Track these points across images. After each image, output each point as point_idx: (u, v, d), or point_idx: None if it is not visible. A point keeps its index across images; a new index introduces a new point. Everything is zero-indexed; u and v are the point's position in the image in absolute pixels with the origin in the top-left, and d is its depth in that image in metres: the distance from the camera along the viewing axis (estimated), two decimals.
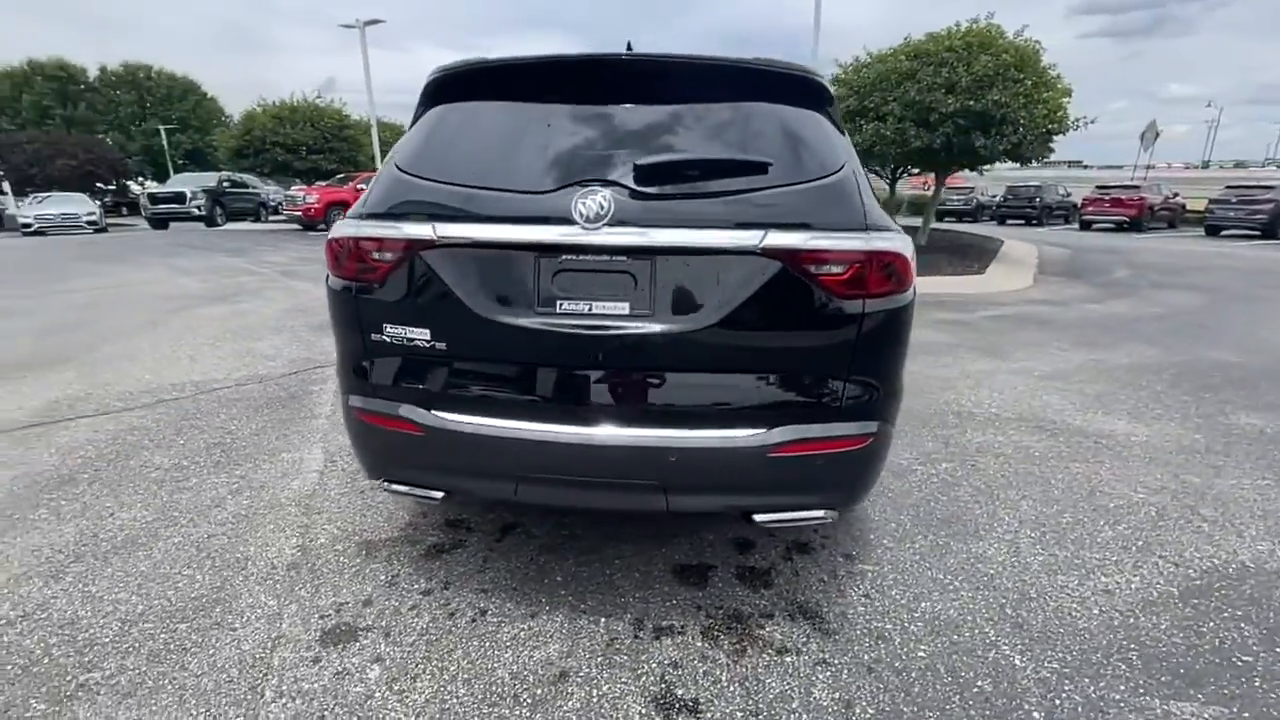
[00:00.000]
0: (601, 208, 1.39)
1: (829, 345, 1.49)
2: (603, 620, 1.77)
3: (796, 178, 1.49)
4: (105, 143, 27.59)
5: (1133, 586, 1.94)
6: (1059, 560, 2.07)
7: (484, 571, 2.00)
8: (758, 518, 1.58)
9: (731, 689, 1.53)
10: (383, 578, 1.96)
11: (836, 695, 1.51)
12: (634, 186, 1.43)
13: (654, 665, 1.60)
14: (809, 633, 1.73)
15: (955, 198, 25.16)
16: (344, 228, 1.58)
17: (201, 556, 2.06)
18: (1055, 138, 9.16)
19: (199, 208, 19.52)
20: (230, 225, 19.93)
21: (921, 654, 1.65)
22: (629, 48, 1.73)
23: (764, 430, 1.49)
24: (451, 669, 1.59)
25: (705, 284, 1.44)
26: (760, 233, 1.39)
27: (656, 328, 1.44)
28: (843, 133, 1.68)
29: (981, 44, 8.50)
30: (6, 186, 22.53)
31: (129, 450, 2.84)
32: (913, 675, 1.57)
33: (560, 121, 1.56)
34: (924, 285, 7.67)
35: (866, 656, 1.64)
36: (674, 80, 1.59)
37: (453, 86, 1.68)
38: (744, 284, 1.42)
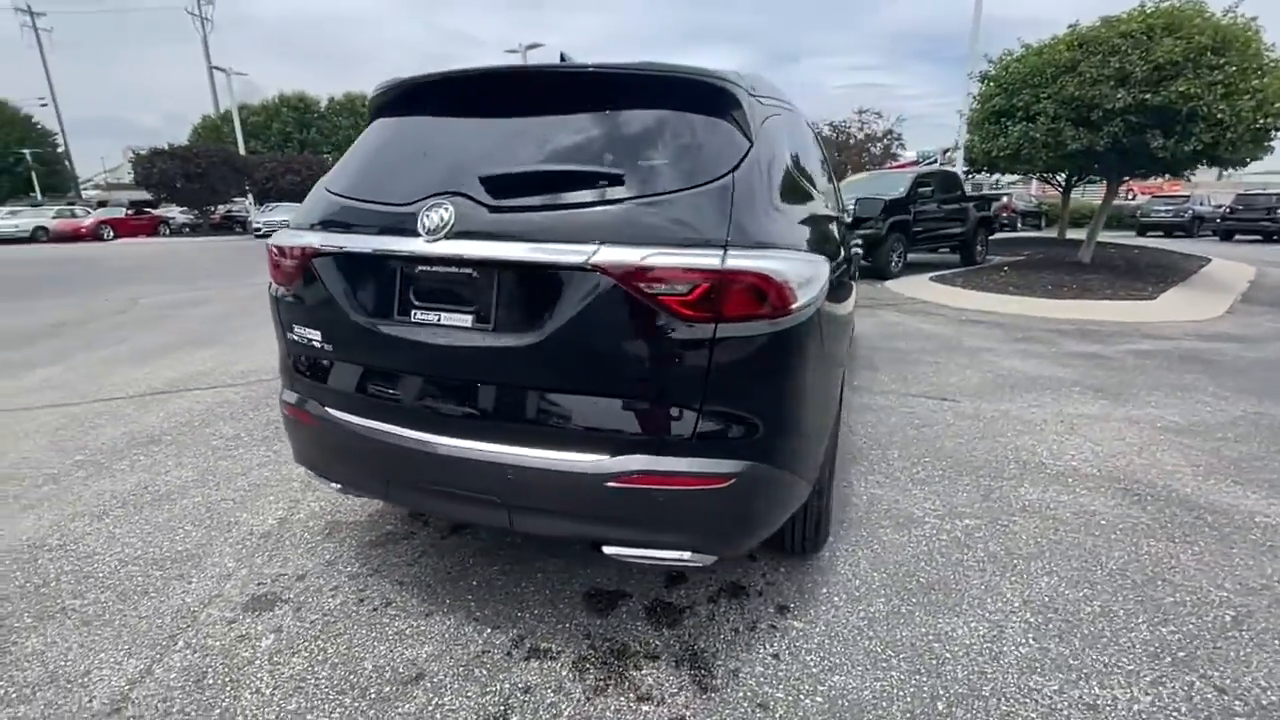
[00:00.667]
0: (442, 220, 1.40)
1: (675, 372, 1.35)
2: (486, 632, 1.76)
3: (657, 189, 1.37)
4: (325, 161, 32.91)
5: (1134, 709, 1.50)
6: (1047, 657, 1.67)
7: (414, 565, 2.09)
8: (607, 550, 1.48)
9: None
10: (327, 557, 2.13)
11: None
12: (484, 199, 1.41)
13: (506, 686, 1.57)
14: (684, 684, 1.57)
15: (1163, 209, 21.28)
16: (274, 237, 1.76)
17: (206, 516, 2.39)
18: (1277, 135, 7.39)
19: None
20: None
21: None
22: (561, 58, 1.72)
23: (605, 457, 1.39)
24: (329, 651, 1.68)
25: (543, 299, 1.38)
26: (593, 247, 1.31)
27: (496, 342, 1.41)
28: (750, 138, 1.51)
29: (1168, 26, 7.11)
30: (250, 199, 27.87)
31: (209, 420, 3.39)
32: None
33: (444, 136, 1.60)
34: (1066, 310, 6.68)
35: None
36: (561, 92, 1.55)
37: (379, 105, 1.79)
38: (578, 301, 1.34)
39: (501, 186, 1.42)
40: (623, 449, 1.39)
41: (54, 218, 22.62)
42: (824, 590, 1.96)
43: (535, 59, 24.26)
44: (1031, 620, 1.82)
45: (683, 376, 1.35)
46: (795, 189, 1.68)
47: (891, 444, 3.12)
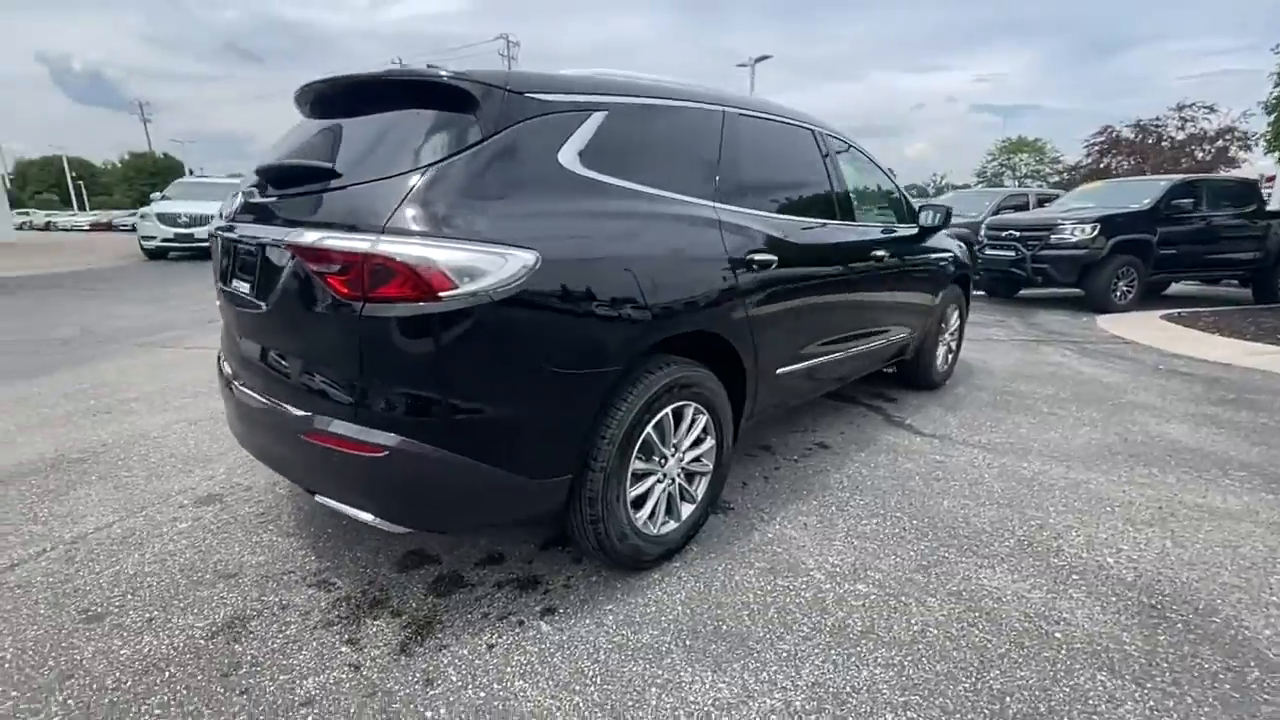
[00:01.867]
0: (234, 206, 1.73)
1: (340, 344, 1.48)
2: (310, 559, 2.07)
3: (361, 179, 1.52)
4: None
5: None
6: None
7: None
8: (316, 497, 1.67)
9: (277, 660, 1.67)
10: (261, 500, 2.66)
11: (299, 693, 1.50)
12: (258, 189, 1.71)
13: (276, 598, 1.85)
14: (391, 643, 1.68)
15: None
16: None
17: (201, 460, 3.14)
18: None
19: None
20: None
21: None
22: (398, 62, 1.96)
23: (307, 413, 1.58)
24: (208, 541, 2.16)
25: (274, 273, 1.62)
26: (293, 230, 1.51)
27: (255, 308, 1.70)
28: (485, 134, 1.55)
29: None
30: None
31: None
32: None
33: (292, 133, 1.93)
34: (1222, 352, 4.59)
35: (377, 679, 1.53)
36: (348, 96, 1.77)
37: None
38: (285, 276, 1.56)
39: (269, 179, 1.71)
40: (318, 408, 1.57)
41: None
42: (606, 606, 1.85)
43: (761, 70, 24.58)
44: (781, 703, 1.49)
45: (346, 349, 1.48)
46: (560, 184, 1.66)
47: (871, 489, 2.66)
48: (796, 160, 2.67)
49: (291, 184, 1.69)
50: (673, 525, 2.06)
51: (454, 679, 1.56)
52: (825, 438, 3.25)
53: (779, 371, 2.41)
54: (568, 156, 1.69)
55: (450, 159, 1.51)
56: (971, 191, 15.10)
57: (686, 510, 2.11)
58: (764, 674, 1.59)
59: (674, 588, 1.95)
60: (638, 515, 1.92)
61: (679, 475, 2.05)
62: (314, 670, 1.58)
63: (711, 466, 2.16)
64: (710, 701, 1.50)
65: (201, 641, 1.67)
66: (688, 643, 1.71)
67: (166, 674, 1.56)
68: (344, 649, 1.66)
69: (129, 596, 1.86)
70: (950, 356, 4.20)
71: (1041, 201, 9.99)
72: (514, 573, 2.02)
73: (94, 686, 1.51)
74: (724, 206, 2.12)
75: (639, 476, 1.91)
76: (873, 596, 1.93)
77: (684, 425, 2.02)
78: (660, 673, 1.60)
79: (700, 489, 2.16)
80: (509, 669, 1.60)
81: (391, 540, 2.17)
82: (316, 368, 1.58)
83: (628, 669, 1.61)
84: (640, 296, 1.73)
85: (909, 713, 1.48)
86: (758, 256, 2.16)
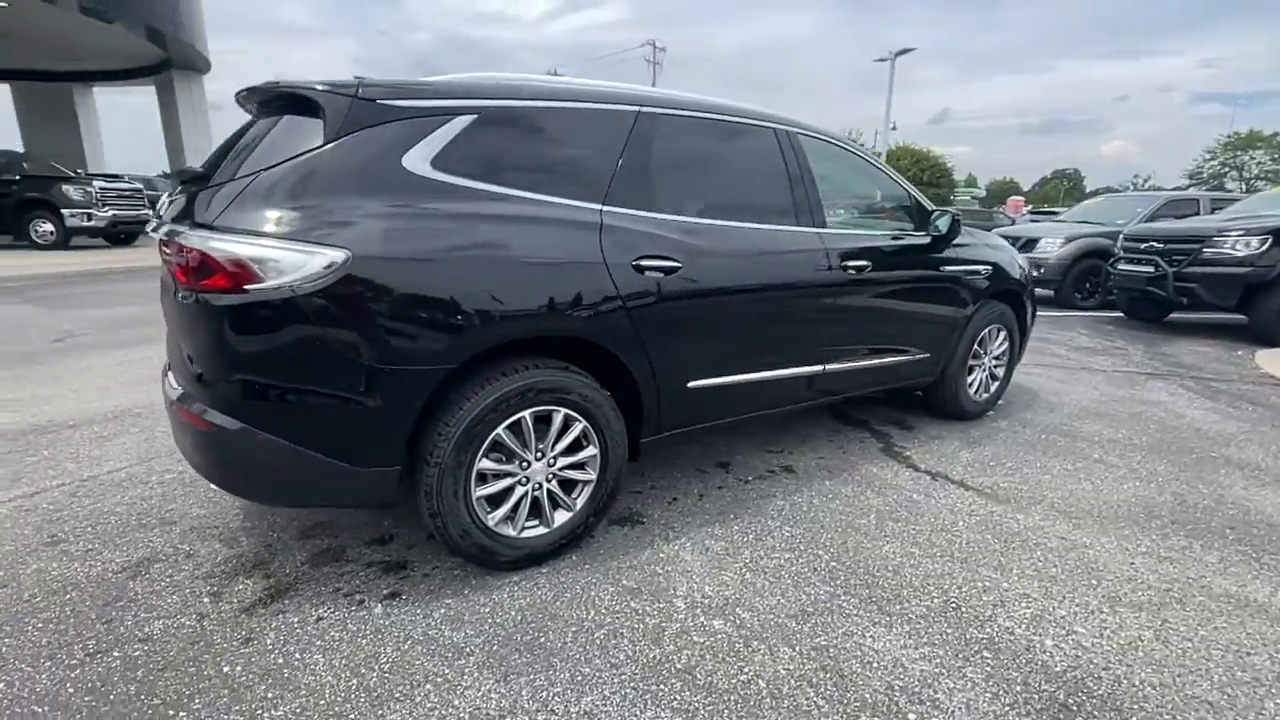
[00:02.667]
0: (162, 204, 1.99)
1: (186, 329, 1.67)
2: (239, 518, 2.34)
3: (224, 179, 1.68)
4: None
5: None
6: None
7: None
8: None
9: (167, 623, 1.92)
10: None
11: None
12: (178, 190, 1.95)
13: (187, 548, 2.11)
14: (248, 598, 1.85)
15: None
16: None
17: None
18: None
19: None
20: None
21: None
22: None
23: (178, 389, 1.80)
24: (132, 505, 2.52)
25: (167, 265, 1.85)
26: (163, 226, 1.72)
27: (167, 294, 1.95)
28: (325, 141, 1.65)
29: None
30: None
31: None
32: None
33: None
34: None
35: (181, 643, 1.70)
36: (255, 105, 1.96)
37: None
38: (167, 267, 1.78)
39: (180, 181, 1.95)
40: (183, 386, 1.78)
41: None
42: (446, 600, 1.89)
43: (902, 63, 22.63)
44: None
45: (191, 333, 1.66)
46: (400, 187, 1.71)
47: (808, 522, 2.42)
48: (743, 162, 2.49)
49: (188, 185, 1.92)
50: (540, 531, 2.04)
51: (268, 642, 1.69)
52: (797, 460, 3.00)
53: (692, 385, 2.28)
54: (415, 160, 1.75)
55: (286, 162, 1.64)
56: (1122, 195, 12.93)
57: (562, 517, 2.08)
58: (543, 693, 1.54)
59: (521, 593, 1.93)
60: (490, 515, 1.93)
61: (548, 480, 2.03)
62: (170, 614, 1.79)
63: (595, 476, 2.11)
64: (471, 709, 1.49)
65: (109, 575, 1.97)
66: (494, 648, 1.69)
67: (67, 596, 1.85)
68: (205, 600, 1.86)
69: (88, 529, 2.23)
70: (994, 384, 3.65)
71: (1216, 207, 8.24)
72: (391, 555, 2.12)
73: (14, 596, 1.85)
74: (614, 209, 2.05)
75: (492, 477, 1.92)
76: (722, 636, 1.77)
77: (553, 430, 1.99)
78: (446, 672, 1.60)
79: (581, 498, 2.11)
80: (318, 642, 1.70)
81: (309, 512, 2.38)
82: (184, 350, 1.79)
83: (419, 663, 1.63)
84: (476, 298, 1.74)
85: None
86: (652, 262, 2.06)
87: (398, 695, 1.52)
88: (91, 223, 11.70)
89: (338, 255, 1.57)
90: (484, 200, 1.83)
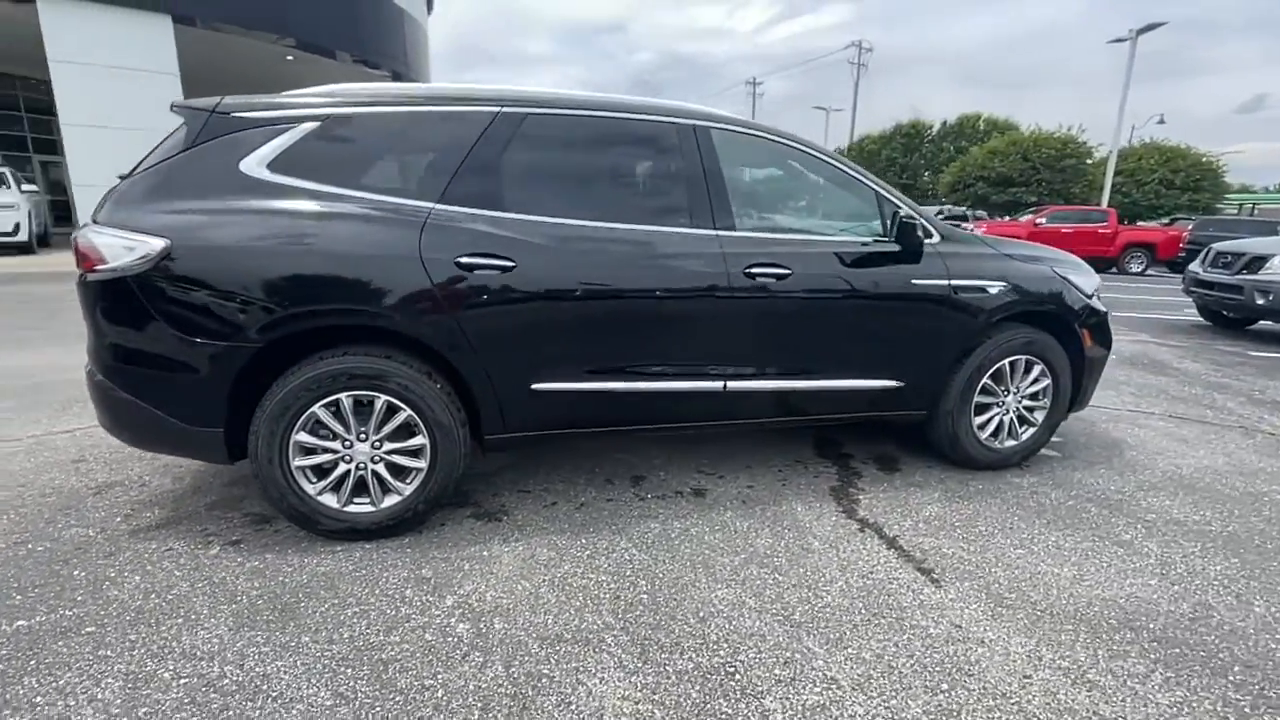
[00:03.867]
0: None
1: (80, 301, 2.06)
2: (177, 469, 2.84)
3: (124, 181, 2.08)
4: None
5: None
6: None
7: None
8: None
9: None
10: None
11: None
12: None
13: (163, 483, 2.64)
14: (188, 554, 2.27)
15: None
16: None
17: None
18: None
19: None
20: None
21: None
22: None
23: None
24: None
25: None
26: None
27: None
28: (183, 149, 1.97)
29: None
30: None
31: None
32: None
33: None
34: None
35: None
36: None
37: None
38: None
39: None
40: None
41: None
42: (240, 560, 2.11)
43: (1146, 41, 18.07)
44: None
45: (80, 304, 2.08)
46: (235, 187, 1.96)
47: (652, 547, 2.22)
48: (623, 160, 2.36)
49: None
50: (367, 508, 2.17)
51: (123, 559, 2.06)
52: (721, 485, 2.72)
53: (538, 388, 2.23)
54: (252, 164, 2.00)
55: (154, 166, 2.00)
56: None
57: (390, 500, 2.19)
58: (252, 648, 1.67)
59: (329, 561, 2.08)
60: (313, 485, 2.12)
61: (374, 462, 2.15)
62: (86, 524, 2.27)
63: (425, 465, 2.18)
64: (191, 645, 1.67)
65: (83, 489, 2.55)
66: (258, 603, 1.86)
67: (47, 499, 2.45)
68: (117, 519, 2.32)
69: (106, 456, 2.89)
70: (1025, 431, 2.92)
71: None
72: (269, 511, 2.41)
73: (19, 494, 2.49)
74: (447, 208, 2.10)
75: (313, 451, 2.10)
76: (453, 640, 1.74)
77: (375, 415, 2.11)
78: (204, 611, 1.81)
79: (411, 484, 2.20)
80: (149, 567, 2.02)
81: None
82: None
83: (194, 600, 1.87)
84: (281, 285, 1.94)
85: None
86: (479, 260, 2.08)
87: (153, 622, 1.77)
88: None
89: (158, 244, 1.88)
90: (311, 199, 2.02)
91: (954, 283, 2.62)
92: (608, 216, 2.29)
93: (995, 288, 2.68)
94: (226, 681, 1.55)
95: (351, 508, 2.17)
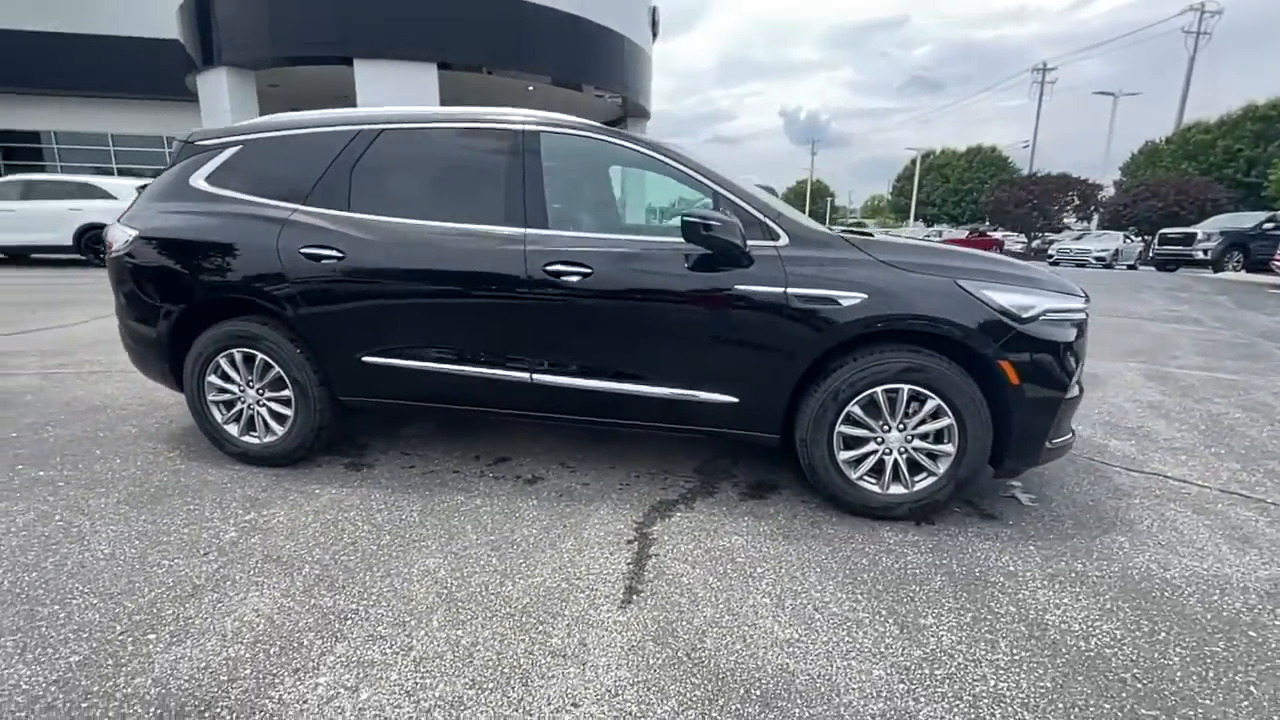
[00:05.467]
0: None
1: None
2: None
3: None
4: (1210, 184, 25.92)
5: None
6: None
7: None
8: None
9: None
10: None
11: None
12: None
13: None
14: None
15: None
16: None
17: None
18: None
19: (1206, 251, 17.34)
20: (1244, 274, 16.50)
21: None
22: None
23: None
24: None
25: None
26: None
27: None
28: (169, 166, 2.83)
29: None
30: (1091, 224, 26.29)
31: None
32: None
33: None
34: None
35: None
36: None
37: None
38: None
39: None
40: None
41: (911, 236, 29.43)
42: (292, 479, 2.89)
43: None
44: None
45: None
46: (187, 195, 2.75)
47: (438, 518, 2.45)
48: (453, 164, 2.62)
49: None
50: (256, 441, 2.83)
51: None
52: (562, 480, 2.79)
53: (366, 360, 2.63)
54: (198, 178, 2.77)
55: (154, 181, 2.90)
56: None
57: (270, 438, 2.81)
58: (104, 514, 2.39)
59: (201, 469, 2.77)
60: (220, 417, 2.84)
61: (259, 405, 2.79)
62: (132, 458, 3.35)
63: (292, 413, 2.75)
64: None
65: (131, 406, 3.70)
66: (132, 496, 2.62)
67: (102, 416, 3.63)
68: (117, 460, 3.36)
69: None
70: (922, 480, 2.36)
71: None
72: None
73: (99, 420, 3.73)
74: (306, 209, 2.62)
75: (221, 390, 2.81)
76: (228, 538, 2.24)
77: (256, 368, 2.75)
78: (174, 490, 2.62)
79: (284, 428, 2.78)
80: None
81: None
82: None
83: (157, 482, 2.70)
84: (192, 265, 2.67)
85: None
86: (317, 250, 2.55)
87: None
88: None
89: (132, 233, 2.75)
90: (225, 203, 2.72)
91: (792, 291, 2.29)
92: (430, 215, 2.58)
93: (850, 299, 2.26)
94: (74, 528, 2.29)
95: (246, 438, 2.84)
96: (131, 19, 21.59)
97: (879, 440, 2.38)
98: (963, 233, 30.04)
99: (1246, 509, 2.63)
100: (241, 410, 2.83)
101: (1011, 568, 2.14)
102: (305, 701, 1.53)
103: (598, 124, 2.59)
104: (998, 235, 29.62)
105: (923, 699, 1.56)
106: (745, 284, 2.33)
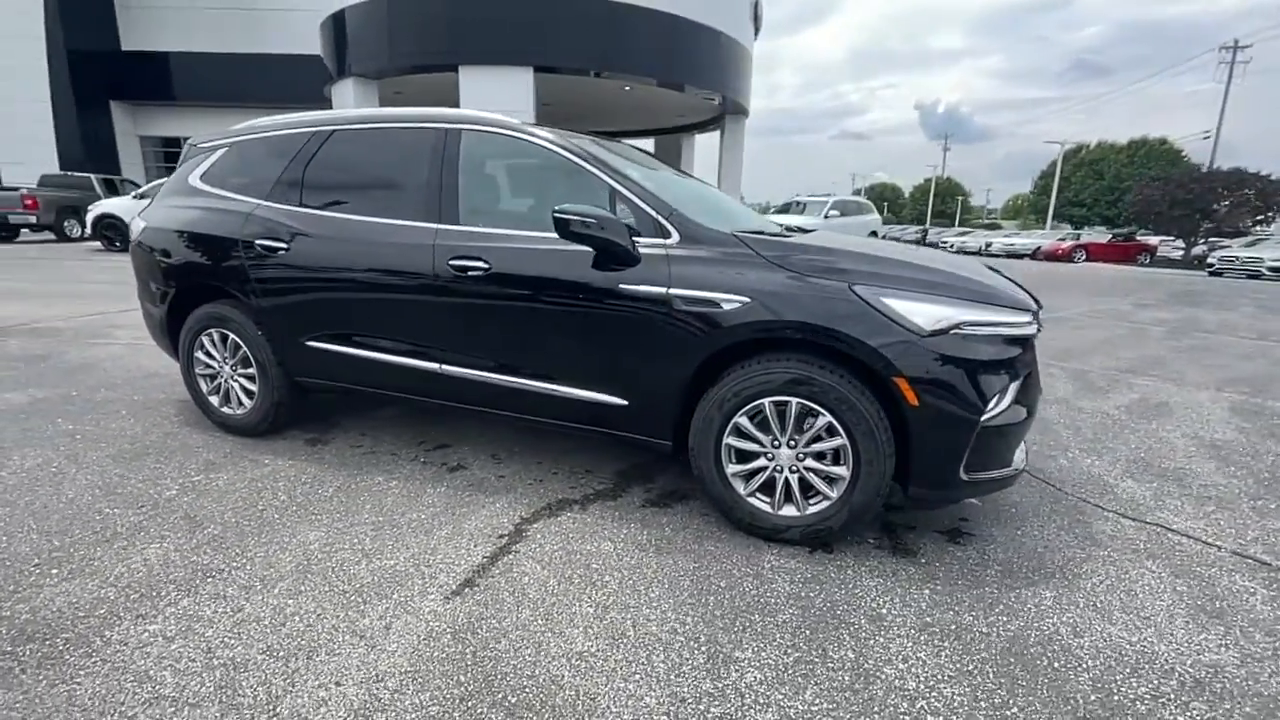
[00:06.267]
0: None
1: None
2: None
3: None
4: None
5: None
6: None
7: None
8: None
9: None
10: None
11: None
12: None
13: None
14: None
15: None
16: None
17: None
18: None
19: None
20: None
21: None
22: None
23: None
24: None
25: None
26: None
27: None
28: (178, 166, 3.23)
29: None
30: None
31: None
32: None
33: None
34: None
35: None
36: None
37: None
38: None
39: None
40: None
41: (1044, 239, 26.37)
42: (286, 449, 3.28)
43: None
44: None
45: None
46: (185, 192, 3.12)
47: (343, 494, 2.61)
48: (383, 162, 2.76)
49: None
50: (231, 412, 3.17)
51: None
52: (480, 471, 2.85)
53: (310, 344, 2.85)
54: (194, 177, 3.14)
55: (169, 180, 3.33)
56: None
57: (240, 410, 3.14)
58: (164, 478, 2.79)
59: (181, 432, 3.13)
60: (204, 387, 3.21)
61: (231, 381, 3.13)
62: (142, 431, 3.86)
63: (257, 389, 3.06)
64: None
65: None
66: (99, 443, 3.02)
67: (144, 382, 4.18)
68: (111, 421, 3.86)
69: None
70: (814, 500, 2.16)
71: None
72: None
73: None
74: (267, 204, 2.88)
75: (206, 365, 3.17)
76: (169, 493, 2.55)
77: (229, 346, 3.07)
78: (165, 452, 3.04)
79: (252, 401, 3.10)
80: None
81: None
82: None
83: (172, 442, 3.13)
84: (180, 252, 3.03)
85: None
86: (267, 242, 2.80)
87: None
88: None
89: (142, 224, 3.17)
90: (208, 198, 3.07)
91: (674, 291, 2.18)
92: (364, 211, 2.74)
93: (731, 303, 2.11)
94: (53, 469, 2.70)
95: (224, 409, 3.19)
96: (283, 37, 24.90)
97: (769, 456, 2.21)
98: (1105, 236, 26.37)
99: (1249, 578, 2.13)
100: (220, 384, 3.18)
101: (884, 611, 1.91)
102: (125, 643, 1.71)
103: (518, 121, 2.62)
104: (1153, 240, 25.79)
105: None
106: (629, 283, 2.25)
